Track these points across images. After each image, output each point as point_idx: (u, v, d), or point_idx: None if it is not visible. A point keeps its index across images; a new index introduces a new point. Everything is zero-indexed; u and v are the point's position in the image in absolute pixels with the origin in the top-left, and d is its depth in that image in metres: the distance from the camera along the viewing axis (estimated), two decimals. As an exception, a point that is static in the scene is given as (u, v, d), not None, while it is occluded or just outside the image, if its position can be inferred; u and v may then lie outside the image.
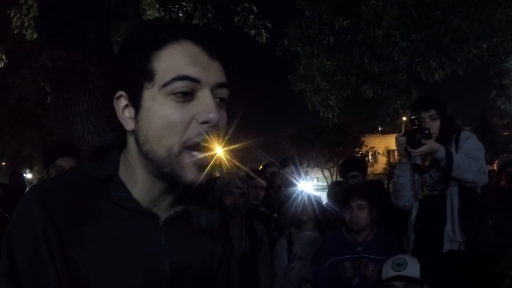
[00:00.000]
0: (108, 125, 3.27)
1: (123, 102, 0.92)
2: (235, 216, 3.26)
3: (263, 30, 6.99)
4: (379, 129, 36.53)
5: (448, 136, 2.96)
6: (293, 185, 4.57)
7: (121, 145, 0.99)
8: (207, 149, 0.88)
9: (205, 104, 0.87)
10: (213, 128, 0.87)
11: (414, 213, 3.01)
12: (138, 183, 0.95)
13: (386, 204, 3.17)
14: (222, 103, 0.92)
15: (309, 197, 3.71)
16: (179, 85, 0.86)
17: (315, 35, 8.15)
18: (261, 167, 5.44)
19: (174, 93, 0.86)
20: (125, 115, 0.92)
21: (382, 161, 38.84)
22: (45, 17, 3.46)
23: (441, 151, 2.77)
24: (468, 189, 2.85)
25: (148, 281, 0.93)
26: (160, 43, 0.88)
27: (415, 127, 2.89)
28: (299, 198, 3.77)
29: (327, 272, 3.09)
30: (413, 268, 2.54)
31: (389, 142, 36.11)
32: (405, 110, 8.40)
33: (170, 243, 0.97)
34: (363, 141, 37.17)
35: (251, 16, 6.93)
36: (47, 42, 3.28)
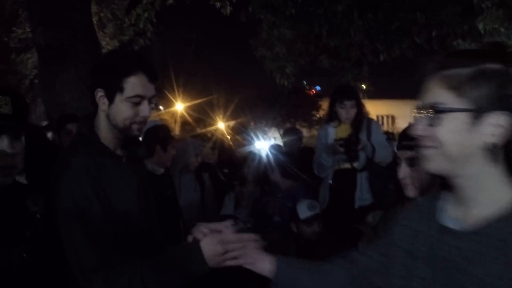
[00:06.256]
0: (90, 94, 3.73)
1: (100, 94, 1.68)
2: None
3: (228, 3, 7.30)
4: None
5: (359, 121, 3.68)
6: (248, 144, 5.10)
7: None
8: (143, 124, 1.73)
9: (145, 108, 1.69)
10: (146, 119, 1.72)
11: (329, 178, 3.75)
12: (107, 140, 1.72)
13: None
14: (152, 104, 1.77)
15: (261, 160, 4.29)
16: (135, 98, 1.66)
17: (278, 6, 8.50)
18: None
19: (131, 102, 1.66)
20: (101, 101, 1.69)
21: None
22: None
23: (368, 149, 3.56)
24: (374, 163, 3.64)
25: (140, 199, 1.78)
26: (129, 72, 1.65)
27: (348, 137, 3.57)
28: (253, 159, 4.37)
29: (257, 208, 3.94)
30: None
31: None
32: (355, 83, 9.06)
33: (133, 172, 1.78)
34: (321, 104, 37.96)
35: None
36: (38, 21, 3.76)
